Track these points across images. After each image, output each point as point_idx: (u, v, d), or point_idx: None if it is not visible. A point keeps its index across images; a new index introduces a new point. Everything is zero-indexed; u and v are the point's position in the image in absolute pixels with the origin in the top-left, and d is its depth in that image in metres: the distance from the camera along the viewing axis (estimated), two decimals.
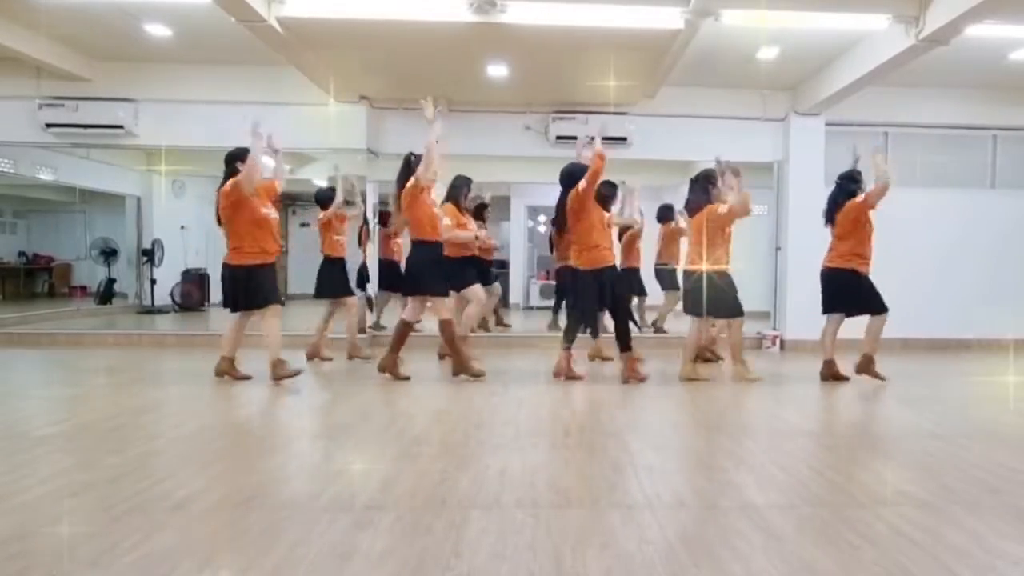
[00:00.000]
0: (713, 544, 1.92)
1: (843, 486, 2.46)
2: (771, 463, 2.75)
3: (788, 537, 1.97)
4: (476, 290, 5.28)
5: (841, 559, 1.83)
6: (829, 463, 2.77)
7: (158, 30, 5.41)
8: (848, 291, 4.67)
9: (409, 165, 4.52)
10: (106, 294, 9.65)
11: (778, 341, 6.59)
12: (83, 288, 10.80)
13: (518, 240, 11.07)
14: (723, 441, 3.11)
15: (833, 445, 3.10)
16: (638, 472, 2.58)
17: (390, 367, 4.49)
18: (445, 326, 4.50)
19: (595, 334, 5.26)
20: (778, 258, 6.78)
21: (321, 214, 5.46)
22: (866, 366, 4.71)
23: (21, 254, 11.30)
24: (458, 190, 5.30)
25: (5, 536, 1.90)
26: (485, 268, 6.07)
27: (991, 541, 1.96)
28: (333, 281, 5.40)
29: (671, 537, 1.96)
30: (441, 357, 5.46)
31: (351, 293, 5.51)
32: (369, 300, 6.79)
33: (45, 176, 8.24)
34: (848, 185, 4.74)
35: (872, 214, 4.66)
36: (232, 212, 4.17)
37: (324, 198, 5.50)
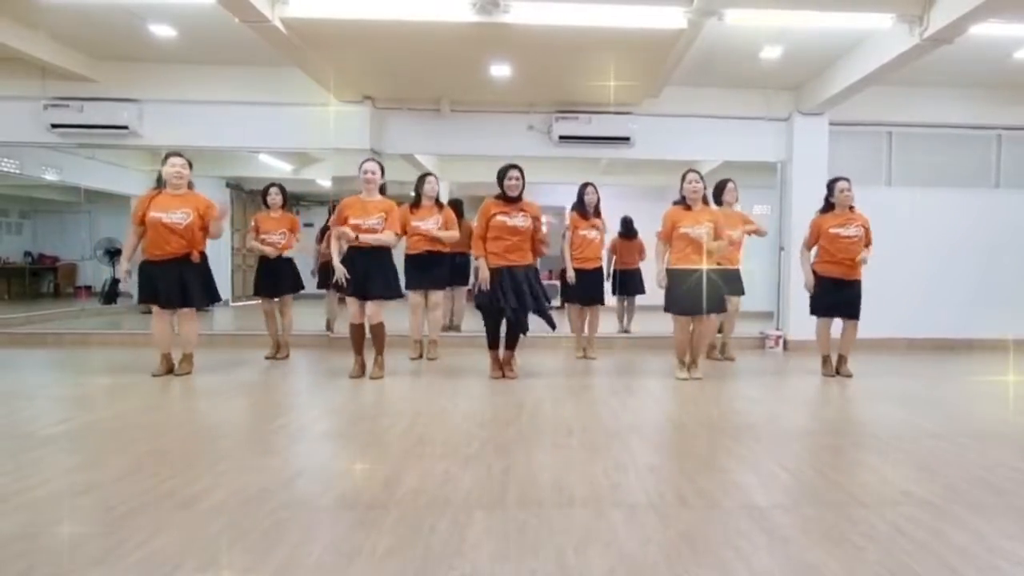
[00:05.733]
0: (716, 544, 1.92)
1: (846, 486, 2.45)
2: (774, 463, 2.75)
3: (791, 537, 1.97)
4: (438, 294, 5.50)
5: (845, 559, 1.82)
6: (832, 463, 2.77)
7: (163, 31, 5.42)
8: None
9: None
10: (111, 294, 9.68)
11: (781, 341, 6.58)
12: (88, 288, 10.83)
13: None
14: (726, 441, 3.11)
15: (836, 445, 3.09)
16: (641, 472, 2.58)
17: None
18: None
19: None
20: (781, 258, 6.77)
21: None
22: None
23: (27, 254, 11.34)
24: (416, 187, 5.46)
25: (10, 535, 1.91)
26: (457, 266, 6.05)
27: (995, 541, 1.96)
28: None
29: (674, 537, 1.96)
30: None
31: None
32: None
33: (50, 176, 8.28)
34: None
35: (871, 214, 4.94)
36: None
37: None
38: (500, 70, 5.59)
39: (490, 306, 4.51)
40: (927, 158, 6.84)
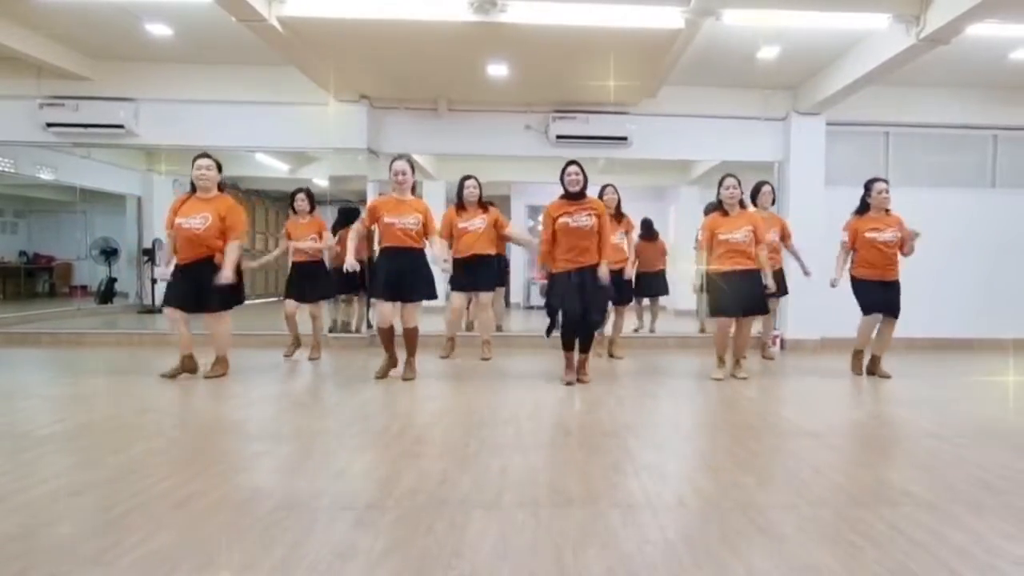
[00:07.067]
0: (714, 544, 1.91)
1: (845, 486, 2.45)
2: (772, 463, 2.75)
3: (789, 537, 1.97)
4: (453, 296, 5.49)
5: (843, 559, 1.82)
6: (831, 463, 2.77)
7: (159, 29, 5.41)
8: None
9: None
10: (107, 294, 9.65)
11: (779, 341, 6.58)
12: (84, 288, 10.79)
13: None
14: (724, 441, 3.11)
15: (835, 445, 3.09)
16: (639, 472, 2.57)
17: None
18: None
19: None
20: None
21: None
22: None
23: (22, 254, 11.30)
24: (458, 190, 5.47)
25: (6, 535, 1.90)
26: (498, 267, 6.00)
27: (993, 541, 1.96)
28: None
29: (672, 537, 1.96)
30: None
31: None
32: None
33: (46, 176, 8.25)
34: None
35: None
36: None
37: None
38: (497, 70, 5.59)
39: (561, 309, 4.42)
40: (924, 158, 6.86)
